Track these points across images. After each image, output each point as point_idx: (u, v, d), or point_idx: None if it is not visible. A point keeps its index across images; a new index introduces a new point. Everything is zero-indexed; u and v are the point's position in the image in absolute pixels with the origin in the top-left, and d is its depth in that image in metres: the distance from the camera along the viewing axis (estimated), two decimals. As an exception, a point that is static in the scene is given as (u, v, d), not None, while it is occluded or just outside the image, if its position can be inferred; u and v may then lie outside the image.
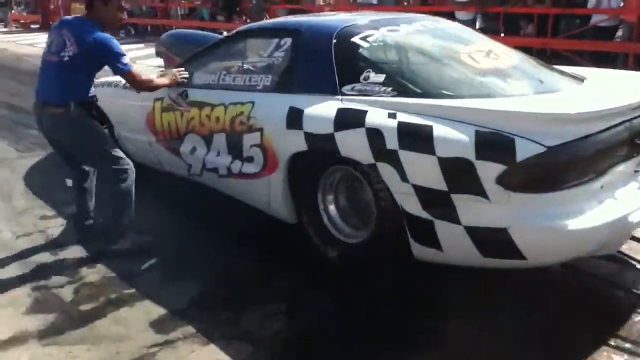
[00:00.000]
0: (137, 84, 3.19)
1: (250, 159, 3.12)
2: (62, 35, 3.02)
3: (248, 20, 13.22)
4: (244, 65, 3.45)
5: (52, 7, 19.77)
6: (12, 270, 2.99)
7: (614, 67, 7.49)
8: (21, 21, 21.70)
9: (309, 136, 2.72)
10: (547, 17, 8.06)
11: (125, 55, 3.05)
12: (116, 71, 3.07)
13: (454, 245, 2.34)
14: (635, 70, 6.11)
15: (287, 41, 3.12)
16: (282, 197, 3.01)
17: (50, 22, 19.56)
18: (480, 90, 2.59)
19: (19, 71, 10.28)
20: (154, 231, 3.36)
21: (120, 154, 3.19)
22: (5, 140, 5.55)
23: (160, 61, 5.78)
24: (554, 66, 3.13)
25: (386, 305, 2.57)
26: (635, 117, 2.37)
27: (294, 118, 2.80)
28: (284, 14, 11.81)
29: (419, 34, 3.09)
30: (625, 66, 7.49)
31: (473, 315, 2.38)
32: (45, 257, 3.14)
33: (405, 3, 10.95)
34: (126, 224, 3.19)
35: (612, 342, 2.20)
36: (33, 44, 14.59)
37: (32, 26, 19.39)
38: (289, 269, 2.94)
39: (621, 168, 2.35)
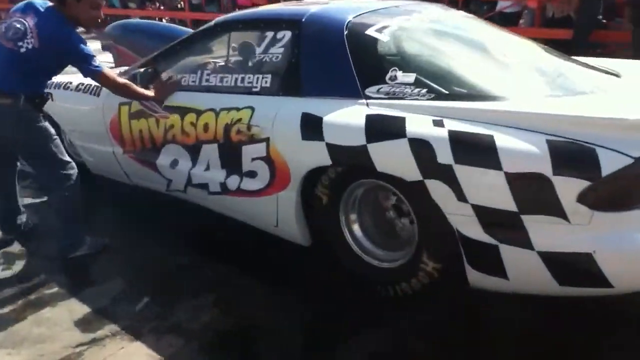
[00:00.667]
0: (113, 88, 2.84)
1: (252, 174, 2.69)
2: (24, 23, 2.59)
3: (162, 8, 12.43)
4: (232, 64, 2.98)
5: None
6: None
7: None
8: None
9: (333, 148, 2.33)
10: (457, 2, 8.29)
11: (95, 56, 2.66)
12: (86, 74, 2.70)
13: (524, 273, 2.04)
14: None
15: (286, 34, 2.69)
16: (295, 217, 2.61)
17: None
18: (529, 90, 2.29)
19: None
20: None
21: (67, 157, 2.90)
22: None
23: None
24: (579, 59, 2.88)
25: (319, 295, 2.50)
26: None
27: (312, 127, 2.40)
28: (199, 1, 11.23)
29: (435, 24, 2.75)
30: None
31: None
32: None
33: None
34: (80, 232, 2.93)
35: None
36: None
37: None
38: (220, 260, 2.87)
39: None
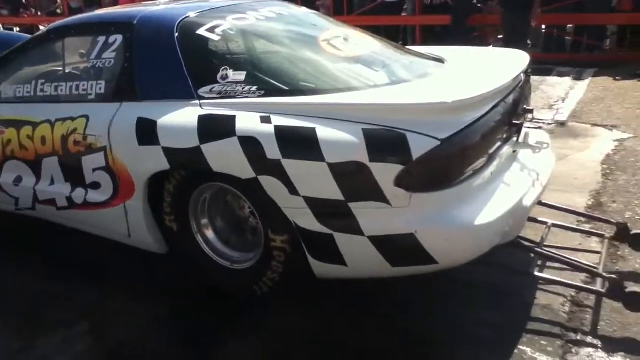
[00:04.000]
0: None
1: (96, 186, 2.60)
2: None
3: (39, 13, 11.69)
4: (67, 71, 2.84)
5: None
6: None
7: (405, 39, 8.72)
8: None
9: (169, 152, 2.28)
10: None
11: None
12: None
13: (360, 258, 2.11)
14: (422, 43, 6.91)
15: (118, 39, 2.61)
16: (146, 225, 2.55)
17: None
18: (354, 82, 2.35)
19: None
20: None
21: None
22: None
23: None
24: (409, 47, 3.02)
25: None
26: (507, 96, 2.34)
27: (147, 131, 2.34)
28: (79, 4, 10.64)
29: (270, 21, 2.75)
30: (413, 39, 8.57)
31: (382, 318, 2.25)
32: None
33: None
34: None
35: (525, 326, 2.18)
36: None
37: None
38: (93, 284, 2.68)
39: (503, 151, 2.31)
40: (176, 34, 2.46)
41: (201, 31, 2.49)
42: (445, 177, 1.99)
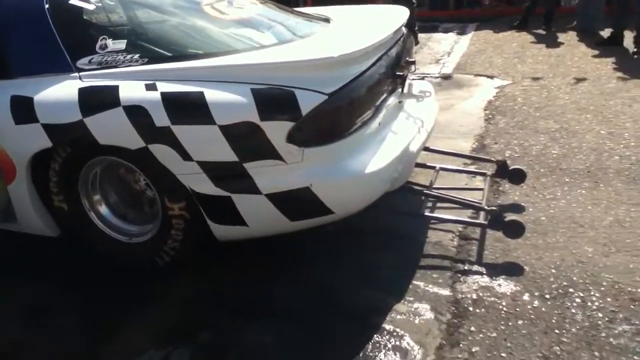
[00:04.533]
0: None
1: (-32, 174, 2.42)
2: None
3: None
4: None
5: None
6: None
7: (297, 2, 8.80)
8: None
9: (50, 128, 2.17)
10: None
11: None
12: None
13: (259, 216, 2.14)
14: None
15: (-22, 12, 2.41)
16: (33, 209, 2.42)
17: None
18: (238, 44, 2.34)
19: None
20: None
21: None
22: None
23: None
24: (296, 9, 3.05)
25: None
26: (390, 49, 2.45)
27: (23, 109, 2.21)
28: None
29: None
30: (305, 1, 8.88)
31: (288, 274, 2.33)
32: None
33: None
34: None
35: (418, 263, 2.33)
36: None
37: None
38: None
39: (389, 102, 2.42)
40: (46, 5, 2.31)
41: (74, 0, 2.36)
42: (335, 130, 2.07)
